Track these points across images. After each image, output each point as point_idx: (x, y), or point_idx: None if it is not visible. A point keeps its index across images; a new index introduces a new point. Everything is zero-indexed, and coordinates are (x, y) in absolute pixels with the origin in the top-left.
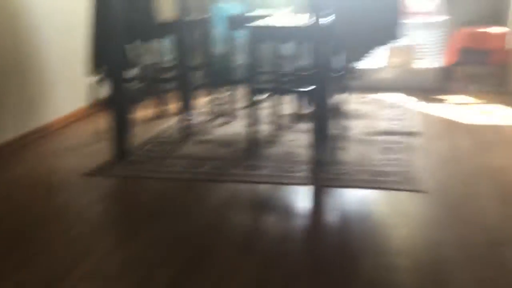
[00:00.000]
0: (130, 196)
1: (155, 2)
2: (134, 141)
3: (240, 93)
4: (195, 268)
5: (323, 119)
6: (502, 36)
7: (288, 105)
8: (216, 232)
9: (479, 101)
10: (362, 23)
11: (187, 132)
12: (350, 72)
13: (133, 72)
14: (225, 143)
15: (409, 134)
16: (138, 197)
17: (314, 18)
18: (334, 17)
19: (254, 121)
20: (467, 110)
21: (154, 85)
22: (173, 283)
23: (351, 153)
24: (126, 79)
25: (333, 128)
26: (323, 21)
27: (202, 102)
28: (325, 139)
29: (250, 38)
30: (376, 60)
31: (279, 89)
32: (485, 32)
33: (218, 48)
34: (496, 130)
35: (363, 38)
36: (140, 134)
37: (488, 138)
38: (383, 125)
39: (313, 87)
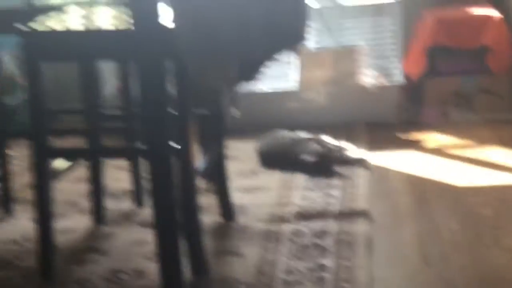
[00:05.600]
0: None
1: None
2: None
3: (26, 158)
4: None
5: (171, 205)
6: (500, 22)
7: (125, 172)
8: None
9: (471, 141)
10: (229, 19)
11: None
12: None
13: None
14: None
15: (348, 215)
16: None
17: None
18: (175, 14)
19: (50, 211)
20: (449, 159)
21: None
22: None
23: (240, 262)
24: None
25: (199, 217)
26: (157, 20)
27: None
28: (190, 240)
29: (26, 53)
30: (282, 79)
31: (95, 149)
32: (470, 17)
33: None
34: (503, 197)
35: (235, 44)
36: None
37: (489, 214)
38: (301, 200)
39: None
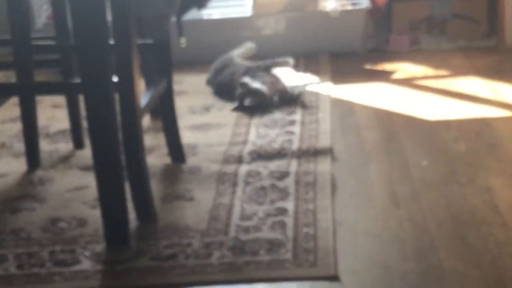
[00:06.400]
0: None
1: None
2: None
3: None
4: None
5: (113, 145)
6: None
7: (62, 110)
8: None
9: (444, 71)
10: None
11: None
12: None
13: None
14: None
15: (309, 154)
16: None
17: None
18: None
19: None
20: (420, 91)
21: None
22: None
23: (191, 207)
24: None
25: (142, 158)
26: None
27: None
28: (135, 184)
29: None
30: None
31: (26, 84)
32: None
33: None
34: (478, 130)
35: None
36: None
37: (462, 150)
38: (258, 138)
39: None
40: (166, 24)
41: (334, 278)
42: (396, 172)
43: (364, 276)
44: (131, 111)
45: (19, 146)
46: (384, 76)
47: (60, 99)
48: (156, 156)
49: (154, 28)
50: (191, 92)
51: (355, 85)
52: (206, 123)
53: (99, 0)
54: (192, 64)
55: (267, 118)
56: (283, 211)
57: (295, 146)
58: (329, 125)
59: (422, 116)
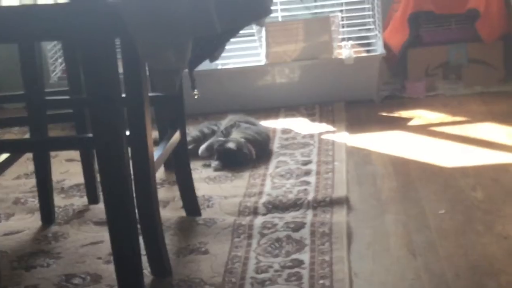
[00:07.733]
0: None
1: None
2: None
3: None
4: None
5: (125, 199)
6: None
7: (76, 165)
8: None
9: (460, 117)
10: None
11: None
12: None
13: None
14: None
15: (325, 204)
16: None
17: None
18: None
19: None
20: (437, 138)
21: None
22: None
23: (206, 261)
24: None
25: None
26: None
27: None
28: (149, 238)
29: None
30: (247, 54)
31: (38, 140)
32: None
33: None
34: (496, 177)
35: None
36: None
37: (480, 198)
38: (273, 189)
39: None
40: (178, 77)
41: None
42: (413, 221)
43: None
44: (144, 165)
45: (34, 201)
46: (401, 123)
47: (74, 153)
48: (171, 209)
49: (165, 82)
50: None
51: (371, 134)
52: (221, 174)
53: (111, 54)
54: (206, 114)
55: (282, 169)
56: (299, 263)
57: (310, 196)
58: (345, 174)
59: (439, 163)
